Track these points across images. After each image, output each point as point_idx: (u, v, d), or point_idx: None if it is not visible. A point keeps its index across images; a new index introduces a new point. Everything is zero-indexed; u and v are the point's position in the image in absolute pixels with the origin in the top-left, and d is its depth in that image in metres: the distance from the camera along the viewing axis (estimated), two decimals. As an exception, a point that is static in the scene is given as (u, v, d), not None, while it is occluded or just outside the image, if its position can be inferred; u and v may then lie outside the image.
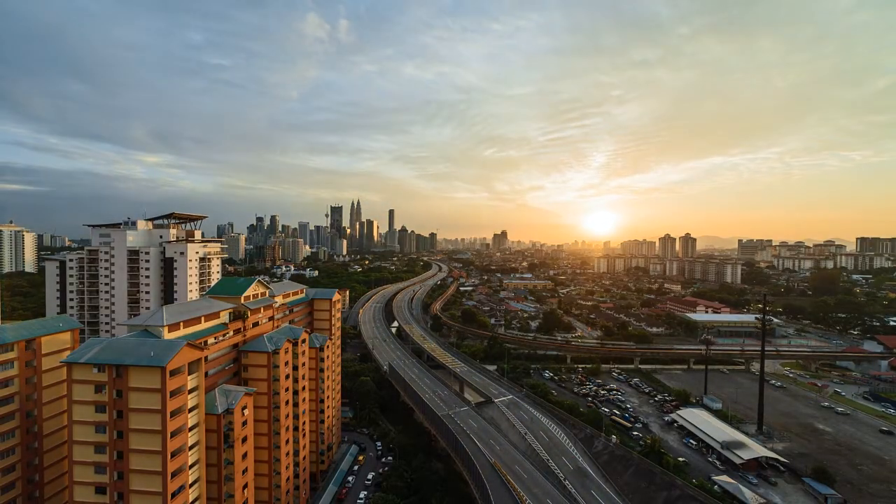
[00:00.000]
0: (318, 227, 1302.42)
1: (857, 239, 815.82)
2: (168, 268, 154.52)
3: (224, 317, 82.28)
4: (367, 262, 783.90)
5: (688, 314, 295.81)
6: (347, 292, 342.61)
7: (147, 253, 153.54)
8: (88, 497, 60.31)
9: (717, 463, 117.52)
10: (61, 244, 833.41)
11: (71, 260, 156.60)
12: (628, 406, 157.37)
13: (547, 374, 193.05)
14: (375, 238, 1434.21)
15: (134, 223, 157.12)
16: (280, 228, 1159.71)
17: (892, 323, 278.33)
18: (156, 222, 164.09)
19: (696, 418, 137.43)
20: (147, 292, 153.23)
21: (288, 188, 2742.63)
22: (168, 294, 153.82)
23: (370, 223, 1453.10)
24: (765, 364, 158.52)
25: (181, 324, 69.84)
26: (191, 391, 64.23)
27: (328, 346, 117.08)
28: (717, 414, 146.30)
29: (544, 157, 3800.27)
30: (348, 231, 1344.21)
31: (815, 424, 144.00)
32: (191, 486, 64.16)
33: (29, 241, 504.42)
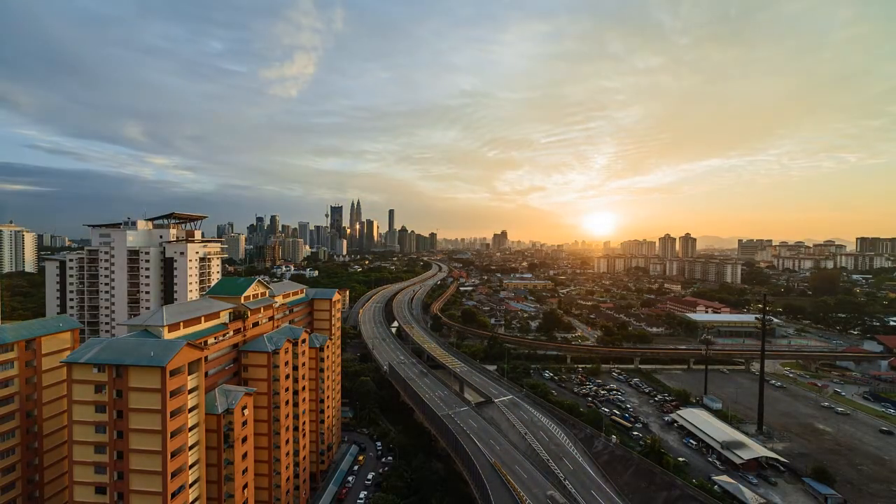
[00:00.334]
0: (318, 227, 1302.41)
1: (857, 239, 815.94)
2: (168, 268, 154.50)
3: (224, 317, 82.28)
4: (367, 262, 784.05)
5: (688, 314, 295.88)
6: (347, 292, 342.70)
7: (147, 253, 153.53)
8: (88, 497, 60.30)
9: (717, 463, 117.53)
10: (61, 244, 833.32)
11: (71, 260, 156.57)
12: (628, 406, 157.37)
13: (547, 374, 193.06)
14: (375, 238, 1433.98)
15: (134, 223, 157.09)
16: (280, 228, 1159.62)
17: (892, 323, 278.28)
18: (156, 222, 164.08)
19: (696, 418, 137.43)
20: (147, 292, 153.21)
21: (291, 189, 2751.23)
22: (168, 294, 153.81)
23: (370, 223, 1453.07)
24: (765, 364, 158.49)
25: (181, 324, 69.83)
26: (191, 391, 64.22)
27: (328, 346, 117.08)
28: (717, 414, 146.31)
29: (546, 159, 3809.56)
30: (348, 231, 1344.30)
31: (815, 424, 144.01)
32: (191, 486, 64.15)
33: (29, 241, 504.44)
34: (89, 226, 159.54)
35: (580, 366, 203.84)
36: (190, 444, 64.11)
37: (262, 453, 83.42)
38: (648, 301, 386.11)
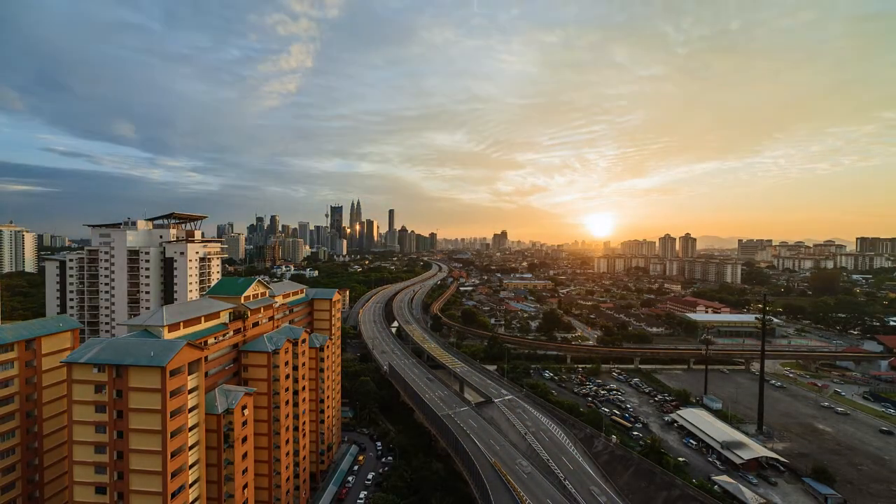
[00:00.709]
0: (318, 227, 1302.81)
1: (857, 239, 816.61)
2: (168, 268, 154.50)
3: (224, 317, 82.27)
4: (367, 262, 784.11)
5: (688, 314, 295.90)
6: (347, 292, 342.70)
7: (147, 253, 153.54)
8: (88, 497, 60.30)
9: (717, 463, 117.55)
10: (61, 244, 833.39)
11: (71, 260, 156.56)
12: (628, 406, 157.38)
13: (547, 374, 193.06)
14: (375, 238, 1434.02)
15: (134, 223, 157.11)
16: (280, 228, 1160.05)
17: (892, 323, 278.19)
18: (156, 222, 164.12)
19: (696, 418, 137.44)
20: (147, 292, 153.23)
21: (294, 189, 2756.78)
22: (168, 294, 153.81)
23: (370, 223, 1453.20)
24: (765, 364, 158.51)
25: (181, 324, 69.83)
26: (191, 391, 64.21)
27: (328, 346, 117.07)
28: (717, 414, 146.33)
29: (548, 160, 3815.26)
30: (348, 231, 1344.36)
31: (815, 424, 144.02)
32: (191, 486, 64.14)
33: (29, 241, 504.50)
34: (89, 226, 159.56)
35: (580, 366, 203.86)
36: (190, 444, 64.10)
37: (262, 453, 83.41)
38: (648, 301, 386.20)
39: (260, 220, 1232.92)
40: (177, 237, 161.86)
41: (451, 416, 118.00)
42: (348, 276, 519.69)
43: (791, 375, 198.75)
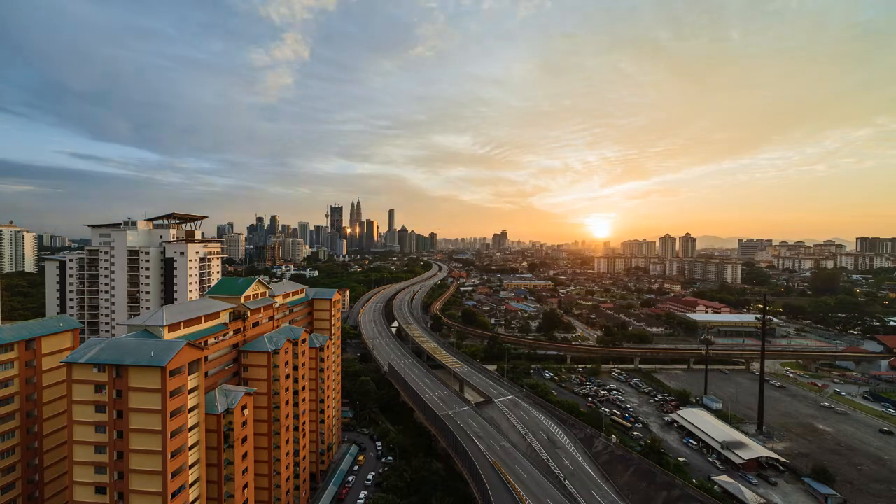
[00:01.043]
0: (318, 227, 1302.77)
1: (857, 239, 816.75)
2: (168, 268, 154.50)
3: (224, 317, 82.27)
4: (367, 262, 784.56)
5: (688, 314, 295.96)
6: (347, 292, 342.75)
7: (147, 253, 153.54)
8: (89, 497, 60.28)
9: (718, 463, 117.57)
10: (61, 244, 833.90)
11: (71, 260, 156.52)
12: (628, 406, 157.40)
13: (547, 374, 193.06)
14: (375, 238, 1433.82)
15: (134, 223, 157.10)
16: (280, 228, 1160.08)
17: (892, 323, 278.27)
18: (156, 222, 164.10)
19: (696, 418, 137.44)
20: (147, 292, 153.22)
21: (297, 190, 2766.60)
22: (168, 294, 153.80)
23: (370, 223, 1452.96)
24: (765, 364, 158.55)
25: (181, 324, 69.82)
26: (191, 391, 64.22)
27: (328, 346, 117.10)
28: (717, 414, 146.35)
29: (550, 162, 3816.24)
30: (348, 231, 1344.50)
31: (815, 424, 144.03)
32: (191, 486, 64.14)
33: (29, 241, 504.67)
34: (89, 226, 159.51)
35: (580, 366, 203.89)
36: (190, 444, 64.10)
37: (262, 453, 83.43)
38: (648, 301, 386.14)
39: (260, 220, 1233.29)
40: (177, 237, 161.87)
41: (452, 416, 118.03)
42: (348, 276, 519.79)
43: (791, 375, 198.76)
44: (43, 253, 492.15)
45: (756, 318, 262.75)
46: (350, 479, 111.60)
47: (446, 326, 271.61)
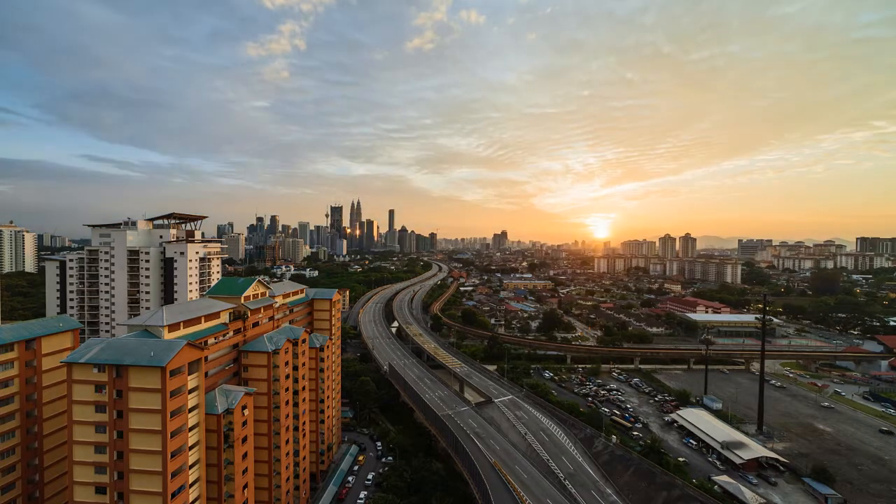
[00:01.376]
0: (318, 227, 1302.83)
1: (857, 239, 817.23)
2: (168, 268, 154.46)
3: (224, 317, 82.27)
4: (367, 262, 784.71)
5: (688, 314, 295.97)
6: (347, 292, 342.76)
7: (147, 253, 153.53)
8: (89, 497, 60.28)
9: (718, 463, 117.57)
10: (61, 244, 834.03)
11: (71, 260, 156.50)
12: (628, 406, 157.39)
13: (547, 374, 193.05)
14: (375, 238, 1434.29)
15: (134, 223, 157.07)
16: (280, 228, 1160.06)
17: (892, 323, 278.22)
18: (156, 222, 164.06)
19: (696, 418, 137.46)
20: (147, 292, 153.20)
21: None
22: (168, 294, 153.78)
23: (370, 223, 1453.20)
24: (765, 364, 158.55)
25: (181, 324, 69.82)
26: (191, 391, 64.22)
27: (328, 346, 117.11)
28: (717, 414, 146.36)
29: (551, 163, 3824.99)
30: (348, 231, 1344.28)
31: (815, 424, 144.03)
32: (191, 486, 64.14)
33: (29, 241, 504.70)
34: (89, 226, 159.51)
35: (580, 366, 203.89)
36: (190, 444, 64.10)
37: (262, 453, 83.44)
38: (648, 301, 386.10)
39: (260, 220, 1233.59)
40: (177, 237, 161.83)
41: (452, 416, 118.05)
42: (348, 276, 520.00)
43: (791, 375, 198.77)
44: (43, 253, 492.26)
45: (756, 318, 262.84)
46: (350, 479, 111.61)
47: (446, 326, 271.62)
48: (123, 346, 61.65)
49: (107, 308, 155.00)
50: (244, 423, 73.83)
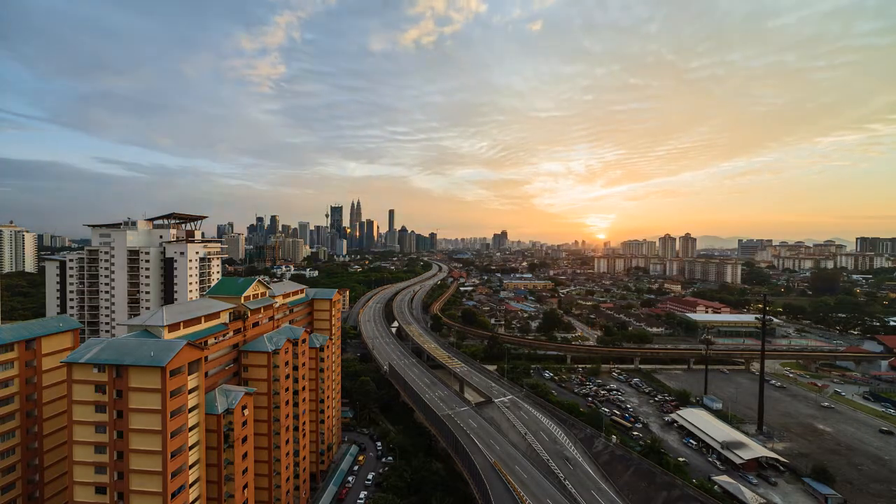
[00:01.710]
0: (318, 227, 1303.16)
1: (857, 239, 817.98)
2: (168, 268, 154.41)
3: (224, 317, 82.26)
4: (367, 262, 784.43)
5: (688, 314, 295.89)
6: (347, 292, 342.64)
7: (147, 253, 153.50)
8: (89, 497, 60.28)
9: (718, 463, 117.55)
10: (61, 244, 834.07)
11: (71, 260, 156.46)
12: (628, 406, 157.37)
13: (547, 374, 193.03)
14: (375, 238, 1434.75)
15: (134, 223, 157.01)
16: (280, 228, 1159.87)
17: (892, 323, 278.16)
18: (156, 222, 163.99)
19: (696, 418, 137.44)
20: (147, 292, 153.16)
21: (298, 190, 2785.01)
22: (168, 294, 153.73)
23: (370, 223, 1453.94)
24: (765, 364, 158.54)
25: (181, 324, 69.83)
26: (191, 391, 64.21)
27: (328, 346, 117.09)
28: (717, 414, 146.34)
29: (553, 164, 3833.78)
30: (348, 231, 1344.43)
31: (815, 424, 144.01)
32: (191, 486, 64.14)
33: (29, 241, 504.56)
34: (89, 226, 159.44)
35: (580, 366, 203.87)
36: (190, 444, 64.10)
37: (262, 453, 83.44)
38: (648, 301, 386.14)
39: (260, 220, 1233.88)
40: (177, 237, 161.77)
41: (452, 416, 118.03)
42: (348, 276, 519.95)
43: (791, 375, 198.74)
44: (43, 253, 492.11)
45: (756, 318, 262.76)
46: (350, 479, 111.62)
47: (446, 326, 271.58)
48: (123, 346, 61.65)
49: (107, 308, 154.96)
50: (244, 423, 73.82)
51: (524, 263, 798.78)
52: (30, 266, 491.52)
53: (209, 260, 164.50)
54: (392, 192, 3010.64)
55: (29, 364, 75.28)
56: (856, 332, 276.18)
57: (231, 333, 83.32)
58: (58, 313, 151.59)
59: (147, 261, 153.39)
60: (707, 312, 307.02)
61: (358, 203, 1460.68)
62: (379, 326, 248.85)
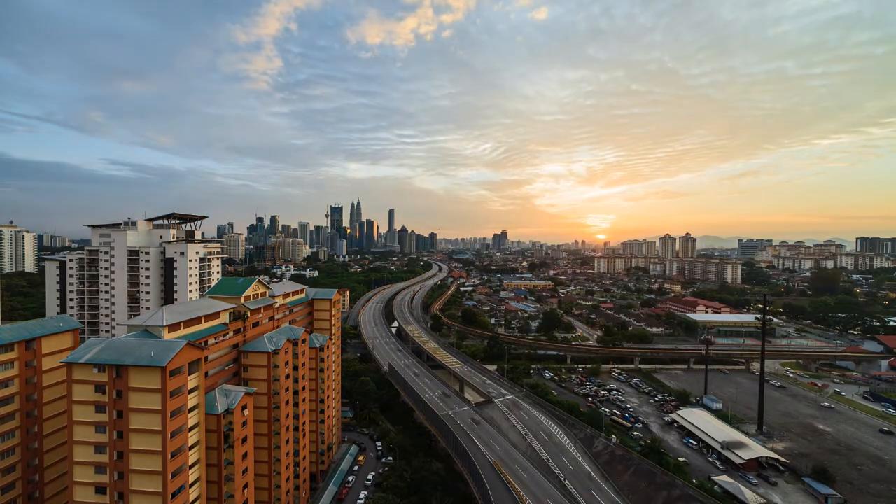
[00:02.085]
0: (318, 227, 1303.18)
1: (856, 239, 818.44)
2: (168, 268, 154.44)
3: (224, 317, 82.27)
4: (367, 262, 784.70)
5: (688, 314, 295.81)
6: (347, 292, 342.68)
7: (147, 253, 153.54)
8: (89, 497, 60.26)
9: (718, 463, 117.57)
10: (61, 244, 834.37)
11: (71, 260, 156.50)
12: (628, 406, 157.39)
13: (547, 374, 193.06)
14: (375, 238, 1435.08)
15: (134, 223, 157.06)
16: (280, 228, 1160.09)
17: (892, 323, 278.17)
18: (156, 222, 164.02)
19: (697, 418, 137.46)
20: (147, 292, 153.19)
21: (298, 190, 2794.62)
22: (168, 294, 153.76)
23: (370, 223, 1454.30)
24: (765, 364, 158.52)
25: (181, 324, 69.83)
26: (191, 391, 64.21)
27: (328, 346, 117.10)
28: (717, 414, 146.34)
29: (553, 166, 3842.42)
30: (348, 231, 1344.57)
31: (815, 424, 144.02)
32: (191, 486, 64.14)
33: (29, 241, 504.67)
34: (89, 226, 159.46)
35: (580, 366, 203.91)
36: (190, 444, 64.10)
37: (262, 453, 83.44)
38: (648, 301, 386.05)
39: (260, 220, 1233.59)
40: (177, 237, 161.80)
41: (452, 416, 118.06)
42: (348, 277, 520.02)
43: (791, 375, 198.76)
44: (43, 253, 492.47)
45: (756, 318, 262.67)
46: (350, 479, 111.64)
47: (446, 326, 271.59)
48: (123, 346, 61.65)
49: (107, 308, 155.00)
50: (244, 424, 73.83)
51: (524, 263, 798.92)
52: (30, 266, 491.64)
53: (209, 260, 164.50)
54: (393, 193, 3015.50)
55: (29, 364, 75.25)
56: (856, 332, 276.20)
57: (231, 333, 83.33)
58: (58, 313, 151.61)
59: (147, 261, 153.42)
60: (707, 312, 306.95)
61: (358, 203, 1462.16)
62: (379, 326, 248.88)
